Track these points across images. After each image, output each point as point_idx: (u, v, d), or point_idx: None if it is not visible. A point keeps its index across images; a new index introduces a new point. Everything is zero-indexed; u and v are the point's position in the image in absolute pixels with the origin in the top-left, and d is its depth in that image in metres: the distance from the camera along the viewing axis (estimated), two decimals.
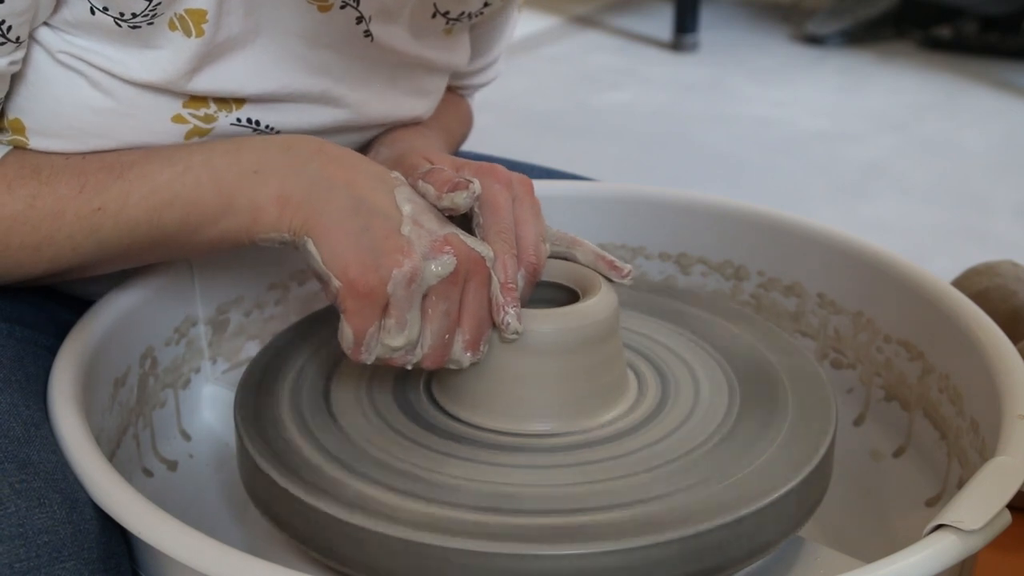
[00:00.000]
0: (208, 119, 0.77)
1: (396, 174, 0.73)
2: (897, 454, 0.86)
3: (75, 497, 0.65)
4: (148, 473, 0.83)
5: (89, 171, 0.73)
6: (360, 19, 0.79)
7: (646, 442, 0.71)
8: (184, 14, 0.72)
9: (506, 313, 0.70)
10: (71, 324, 0.79)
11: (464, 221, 0.74)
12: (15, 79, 0.74)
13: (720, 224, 0.97)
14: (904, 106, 3.32)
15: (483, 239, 0.72)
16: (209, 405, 0.90)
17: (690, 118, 3.24)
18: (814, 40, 3.85)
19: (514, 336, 0.71)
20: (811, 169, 2.89)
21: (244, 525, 0.83)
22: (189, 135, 0.77)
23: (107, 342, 0.78)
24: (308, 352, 0.80)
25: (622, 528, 0.63)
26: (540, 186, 0.78)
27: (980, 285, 1.03)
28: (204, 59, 0.74)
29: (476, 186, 0.73)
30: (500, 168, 0.76)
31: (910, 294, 0.85)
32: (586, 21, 4.11)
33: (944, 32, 3.76)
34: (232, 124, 0.78)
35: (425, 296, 0.69)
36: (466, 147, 1.08)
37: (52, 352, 0.77)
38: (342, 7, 0.77)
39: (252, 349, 0.92)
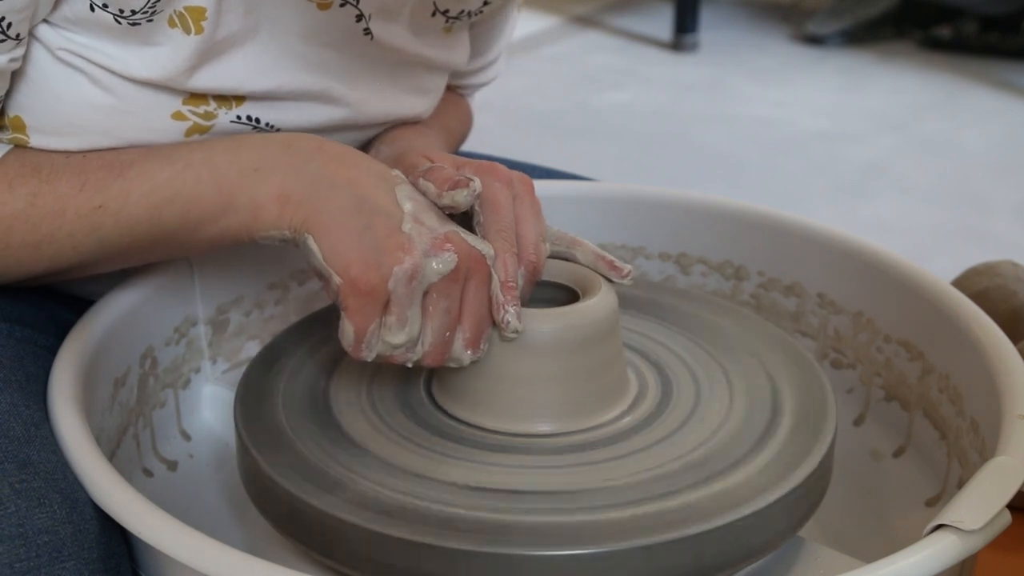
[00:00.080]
0: (208, 116, 0.77)
1: (397, 172, 0.74)
2: (897, 454, 0.86)
3: (75, 497, 0.65)
4: (148, 473, 0.83)
5: (89, 169, 0.73)
6: (360, 17, 0.79)
7: (646, 442, 0.71)
8: (184, 11, 0.72)
9: (506, 312, 0.70)
10: (71, 324, 0.79)
11: (465, 220, 0.74)
12: (16, 77, 0.74)
13: (720, 224, 0.97)
14: (904, 106, 3.32)
15: (483, 237, 0.72)
16: (209, 405, 0.90)
17: (690, 118, 3.24)
18: (814, 40, 3.85)
19: (513, 335, 0.71)
20: (811, 169, 2.89)
21: (244, 525, 0.83)
22: (189, 132, 0.77)
23: (107, 342, 0.78)
24: (308, 352, 0.80)
25: (622, 529, 0.63)
26: (540, 186, 0.78)
27: (980, 285, 1.03)
28: (204, 56, 0.74)
29: (477, 184, 0.73)
30: (501, 167, 0.76)
31: (910, 294, 0.85)
32: (586, 21, 4.11)
33: (944, 32, 3.76)
34: (232, 121, 0.78)
35: (426, 294, 0.69)
36: (466, 147, 1.08)
37: (52, 352, 0.77)
38: (342, 5, 0.77)
39: (252, 349, 0.92)
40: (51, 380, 0.73)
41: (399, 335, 0.69)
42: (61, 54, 0.73)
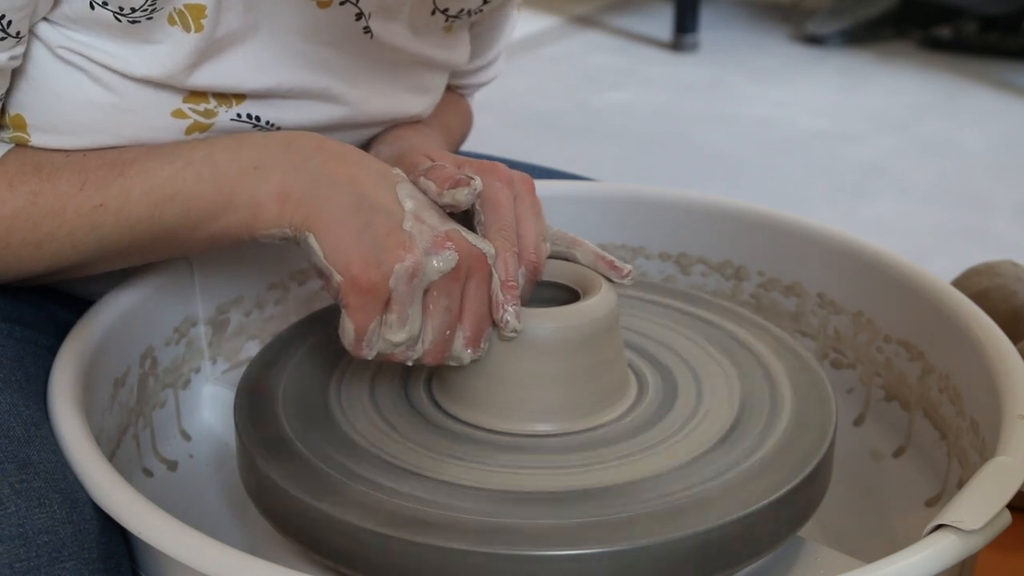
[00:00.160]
0: (208, 114, 0.77)
1: (398, 171, 0.74)
2: (897, 454, 0.86)
3: (75, 497, 0.65)
4: (148, 473, 0.83)
5: (90, 168, 0.73)
6: (359, 15, 0.79)
7: (646, 443, 0.71)
8: (183, 9, 0.72)
9: (505, 311, 0.70)
10: (71, 324, 0.79)
11: (465, 219, 0.74)
12: (16, 75, 0.74)
13: (720, 224, 0.97)
14: (904, 106, 3.32)
15: (484, 236, 0.72)
16: (209, 405, 0.90)
17: (690, 118, 3.24)
18: (814, 40, 3.85)
19: (512, 335, 0.71)
20: (811, 169, 2.89)
21: (244, 525, 0.83)
22: (189, 130, 0.77)
23: (107, 342, 0.78)
24: (308, 352, 0.80)
25: (623, 528, 0.63)
26: (540, 186, 0.78)
27: (980, 285, 1.03)
28: (203, 54, 0.74)
29: (477, 183, 0.73)
30: (501, 166, 0.77)
31: (910, 294, 0.85)
32: (586, 21, 4.11)
33: (944, 32, 3.76)
34: (232, 120, 0.78)
35: (426, 292, 0.69)
36: (466, 147, 1.08)
37: (52, 352, 0.77)
38: (341, 3, 0.77)
39: (252, 349, 0.92)
40: (51, 380, 0.73)
41: (400, 333, 0.69)
42: (61, 52, 0.73)
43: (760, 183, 2.79)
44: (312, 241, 0.69)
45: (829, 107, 3.33)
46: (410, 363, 0.71)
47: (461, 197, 0.72)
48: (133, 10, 0.71)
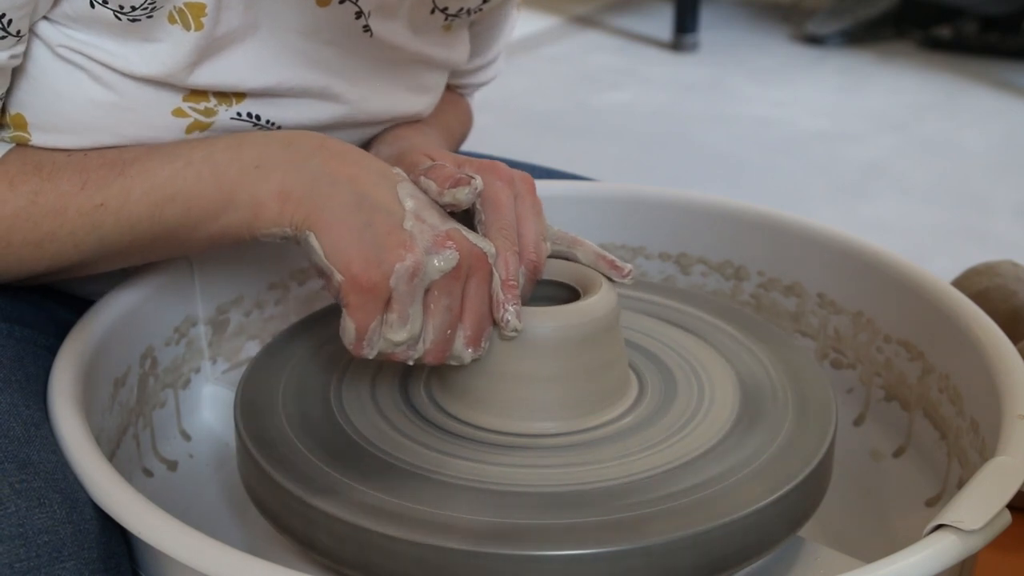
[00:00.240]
0: (208, 113, 0.77)
1: (398, 170, 0.74)
2: (897, 454, 0.86)
3: (75, 497, 0.65)
4: (148, 473, 0.83)
5: (91, 168, 0.73)
6: (359, 14, 0.79)
7: (647, 443, 0.71)
8: (184, 7, 0.72)
9: (506, 311, 0.70)
10: (71, 324, 0.79)
11: (466, 218, 0.74)
12: (16, 74, 0.74)
13: (720, 224, 0.97)
14: (904, 106, 3.32)
15: (485, 236, 0.72)
16: (209, 405, 0.90)
17: (690, 118, 3.24)
18: (814, 40, 3.85)
19: (513, 334, 0.71)
20: (811, 169, 2.89)
21: (244, 525, 0.83)
22: (190, 129, 0.77)
23: (107, 342, 0.78)
24: (308, 352, 0.80)
25: (623, 528, 0.63)
26: (541, 186, 0.78)
27: (980, 285, 1.03)
28: (204, 53, 0.74)
29: (478, 182, 0.73)
30: (502, 165, 0.77)
31: (910, 294, 0.85)
32: (586, 21, 4.11)
33: (944, 32, 3.76)
34: (232, 118, 0.78)
35: (427, 291, 0.69)
36: (466, 147, 1.08)
37: (52, 352, 0.77)
38: (341, 2, 0.77)
39: (252, 349, 0.92)
40: (51, 380, 0.73)
41: (400, 332, 0.69)
42: (61, 51, 0.73)
43: (760, 183, 2.79)
44: (313, 240, 0.69)
45: (829, 107, 3.33)
46: (411, 362, 0.71)
47: (461, 196, 0.72)
48: (133, 8, 0.71)
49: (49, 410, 0.71)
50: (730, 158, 2.95)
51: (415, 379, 0.77)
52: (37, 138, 0.75)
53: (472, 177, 0.72)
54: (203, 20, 0.73)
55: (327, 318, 0.83)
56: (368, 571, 0.65)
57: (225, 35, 0.74)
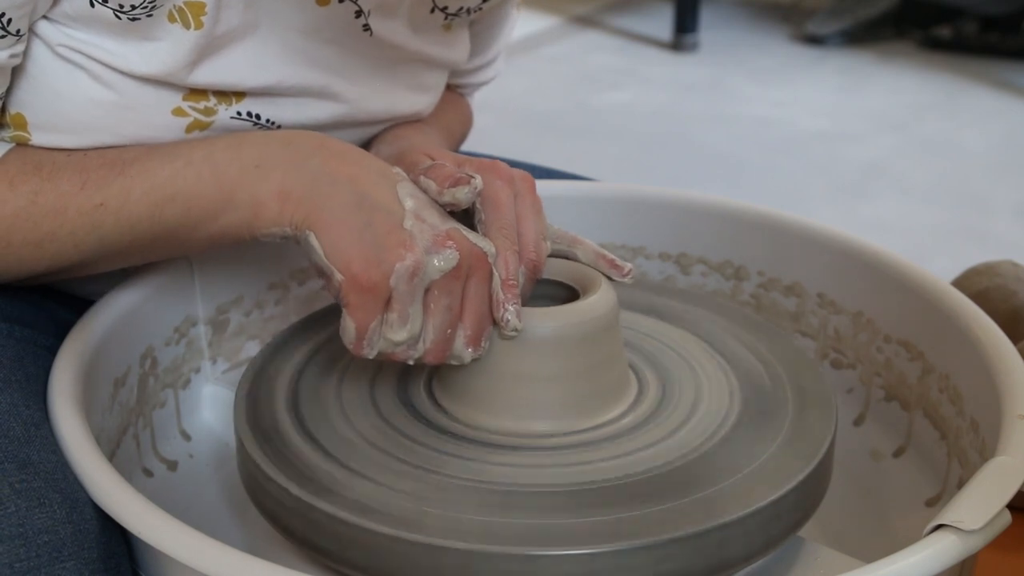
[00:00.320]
0: (208, 112, 0.77)
1: (398, 170, 0.74)
2: (897, 454, 0.86)
3: (75, 497, 0.65)
4: (148, 473, 0.83)
5: (91, 167, 0.73)
6: (359, 13, 0.79)
7: (646, 442, 0.71)
8: (183, 6, 0.72)
9: (506, 310, 0.70)
10: (71, 324, 0.79)
11: (466, 217, 0.74)
12: (16, 73, 0.74)
13: (720, 224, 0.97)
14: (904, 106, 3.32)
15: (485, 235, 0.72)
16: (209, 405, 0.90)
17: (690, 118, 3.24)
18: (814, 40, 3.85)
19: (513, 333, 0.71)
20: (811, 169, 2.89)
21: (244, 525, 0.83)
22: (190, 128, 0.77)
23: (107, 342, 0.78)
24: (308, 352, 0.80)
25: (623, 528, 0.63)
26: (541, 186, 0.78)
27: (980, 285, 1.03)
28: (204, 52, 0.74)
29: (478, 182, 0.73)
30: (502, 164, 0.77)
31: (910, 294, 0.85)
32: (586, 21, 4.11)
33: (944, 32, 3.76)
34: (232, 117, 0.78)
35: (427, 291, 0.69)
36: (466, 147, 1.08)
37: (52, 352, 0.77)
38: (341, 1, 0.77)
39: (252, 349, 0.92)
40: (51, 380, 0.73)
41: (400, 332, 0.69)
42: (61, 50, 0.73)
43: (760, 183, 2.79)
44: (313, 240, 0.69)
45: (829, 107, 3.33)
46: (411, 362, 0.71)
47: (461, 196, 0.72)
48: (133, 7, 0.71)
49: (49, 410, 0.71)
50: (730, 158, 2.95)
51: (415, 379, 0.77)
52: (37, 138, 0.75)
53: (472, 176, 0.73)
54: (203, 19, 0.73)
55: (327, 318, 0.83)
56: (368, 571, 0.65)
57: (225, 34, 0.74)
